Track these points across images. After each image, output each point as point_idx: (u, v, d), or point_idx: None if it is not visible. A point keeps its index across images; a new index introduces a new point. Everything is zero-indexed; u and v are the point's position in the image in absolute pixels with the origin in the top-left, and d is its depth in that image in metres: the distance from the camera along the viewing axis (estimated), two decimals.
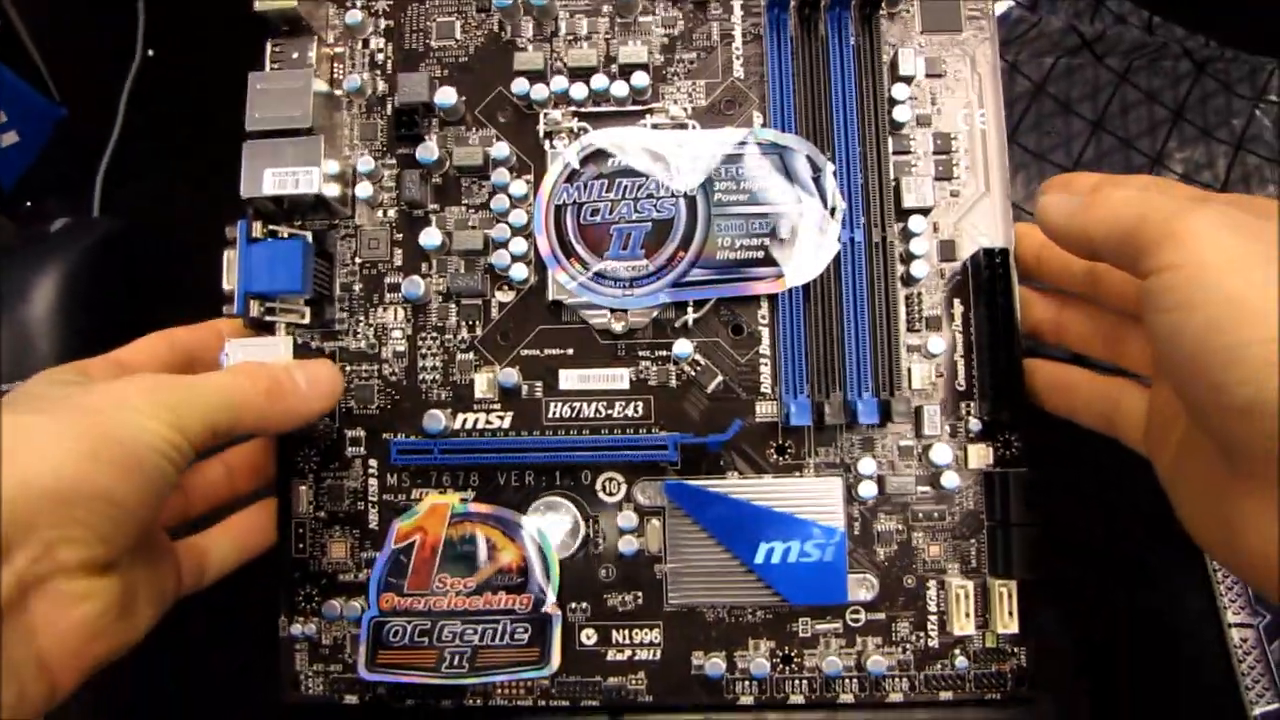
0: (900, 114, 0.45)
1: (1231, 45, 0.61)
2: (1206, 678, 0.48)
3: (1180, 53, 0.60)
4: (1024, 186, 0.59)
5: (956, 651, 0.43)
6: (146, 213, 0.61)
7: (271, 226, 0.43)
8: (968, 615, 0.43)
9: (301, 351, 0.42)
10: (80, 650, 0.32)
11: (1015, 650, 0.43)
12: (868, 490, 0.43)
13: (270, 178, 0.42)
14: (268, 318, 0.43)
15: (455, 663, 0.42)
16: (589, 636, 0.44)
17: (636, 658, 0.44)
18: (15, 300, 0.48)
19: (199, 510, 0.45)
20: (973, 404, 0.44)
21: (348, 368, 0.45)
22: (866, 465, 0.43)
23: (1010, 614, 0.43)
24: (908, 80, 0.45)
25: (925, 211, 0.44)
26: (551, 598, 0.42)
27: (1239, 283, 0.30)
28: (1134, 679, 0.48)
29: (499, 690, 0.44)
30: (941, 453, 0.43)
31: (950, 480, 0.43)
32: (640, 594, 0.44)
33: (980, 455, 0.44)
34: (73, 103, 0.66)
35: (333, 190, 0.44)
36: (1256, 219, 0.32)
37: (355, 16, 0.46)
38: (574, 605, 0.44)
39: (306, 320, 0.44)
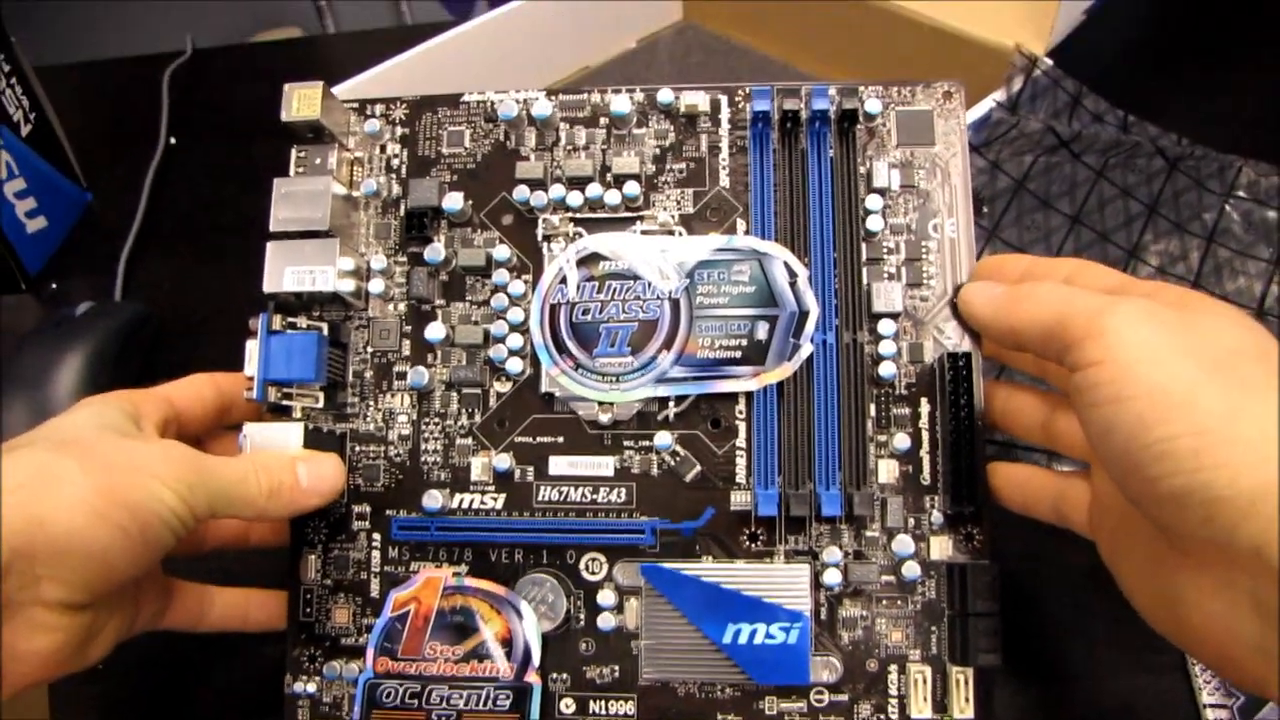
0: (873, 223, 0.47)
1: (1202, 143, 0.63)
2: None
3: (1154, 150, 0.62)
4: None
5: None
6: (167, 295, 0.65)
7: (290, 319, 0.47)
8: (926, 699, 0.45)
9: (313, 437, 0.46)
10: (28, 673, 0.36)
11: None
12: (833, 578, 0.46)
13: (290, 275, 0.47)
14: (285, 402, 0.47)
15: None
16: (568, 705, 0.47)
17: None
18: (40, 380, 0.53)
19: (210, 547, 0.50)
20: (936, 498, 0.46)
21: (357, 448, 0.49)
22: (832, 554, 0.46)
23: (967, 700, 0.45)
24: (881, 192, 0.48)
25: (894, 316, 0.47)
26: (533, 668, 0.45)
27: (1161, 376, 0.32)
28: None
29: None
30: (904, 544, 0.46)
31: (912, 570, 0.46)
32: (617, 667, 0.47)
33: (942, 547, 0.46)
34: (98, 189, 0.71)
35: (348, 285, 0.48)
36: (1173, 310, 0.35)
37: (374, 125, 0.50)
38: (555, 675, 0.47)
39: (320, 404, 0.48)
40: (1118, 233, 0.62)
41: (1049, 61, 0.64)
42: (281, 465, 0.43)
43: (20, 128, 0.66)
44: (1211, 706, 0.49)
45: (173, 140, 0.70)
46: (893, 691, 0.46)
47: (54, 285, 0.68)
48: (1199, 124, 0.64)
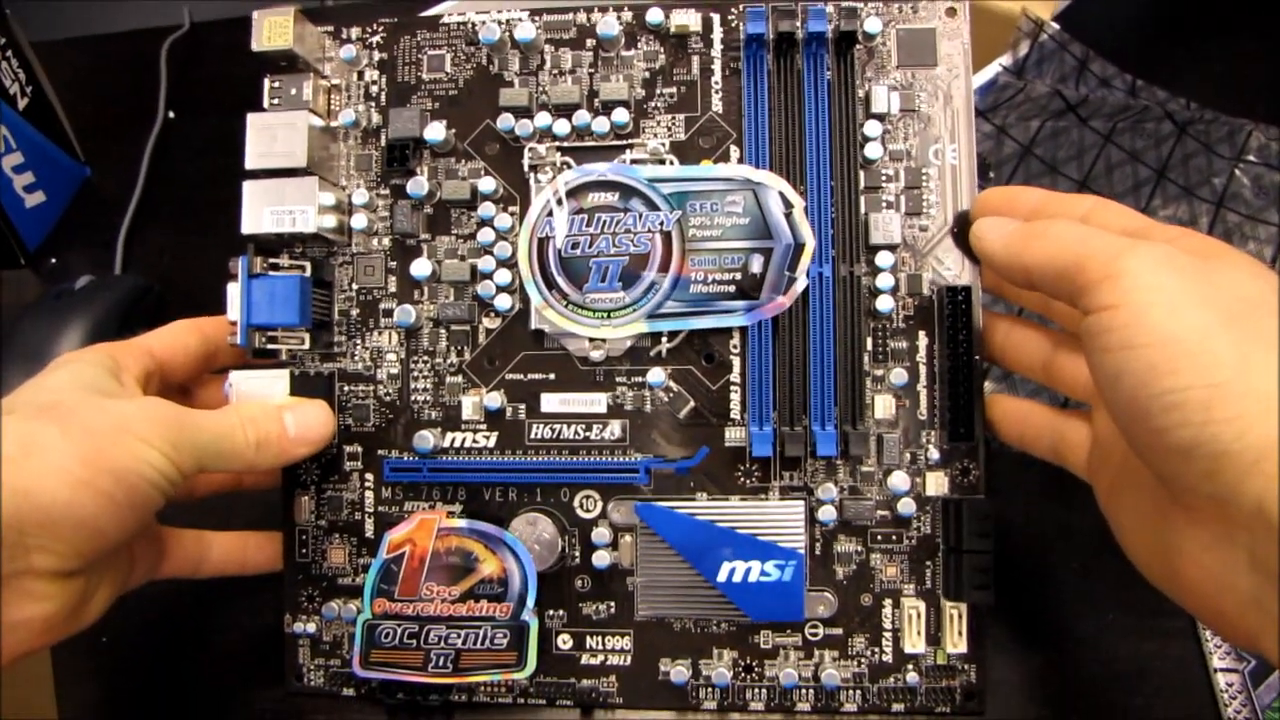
0: (872, 150, 0.46)
1: (1211, 108, 0.61)
2: None
3: (1162, 115, 0.61)
4: None
5: (909, 667, 0.46)
6: (167, 268, 0.64)
7: (272, 260, 0.46)
8: (920, 634, 0.46)
9: (300, 382, 0.46)
10: (24, 640, 0.37)
11: (965, 667, 0.46)
12: (828, 515, 0.45)
13: (269, 216, 0.45)
14: (270, 346, 0.46)
15: (440, 663, 0.45)
16: (565, 641, 0.48)
17: (608, 662, 0.47)
18: (40, 353, 0.52)
19: (203, 494, 0.49)
20: (933, 433, 0.46)
21: (346, 387, 0.48)
22: (827, 491, 0.46)
23: (960, 634, 0.45)
24: (880, 117, 0.46)
25: (892, 248, 0.46)
26: (530, 606, 0.45)
27: (1176, 325, 0.31)
28: None
29: (481, 687, 0.48)
30: (900, 480, 0.45)
31: (907, 507, 0.45)
32: (613, 604, 0.47)
33: (938, 483, 0.46)
34: (97, 163, 0.70)
35: (329, 222, 0.46)
36: (1192, 258, 0.33)
37: (350, 52, 0.48)
38: (551, 612, 0.47)
39: (307, 346, 0.47)
40: (1126, 198, 0.60)
41: (1055, 26, 0.62)
42: (268, 416, 0.43)
43: (17, 101, 0.65)
44: (1222, 671, 0.49)
45: (171, 114, 0.69)
46: (887, 626, 0.46)
47: (53, 260, 0.67)
48: (1208, 88, 0.62)
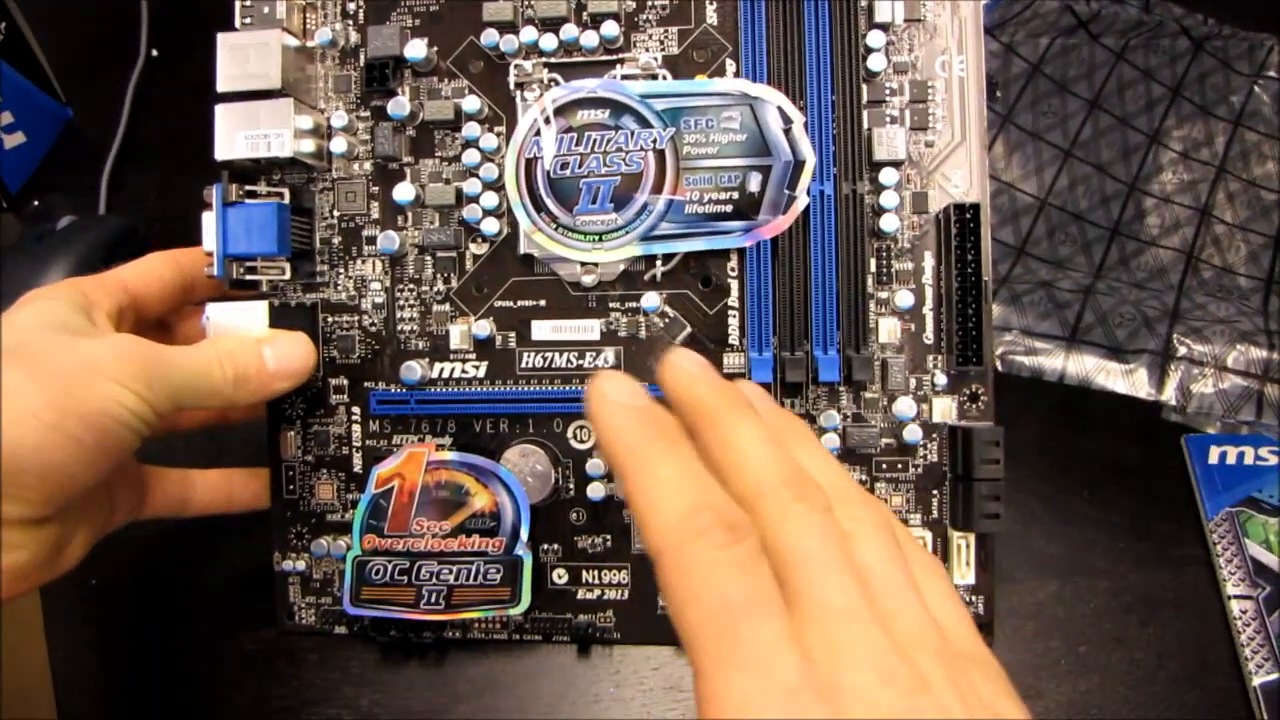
0: (875, 63, 0.43)
1: (1230, 22, 0.58)
2: (1207, 648, 0.49)
3: (1178, 31, 0.58)
4: (1020, 166, 0.58)
5: None
6: (150, 210, 0.63)
7: (249, 187, 0.44)
8: None
9: (280, 314, 0.44)
10: (3, 588, 0.35)
11: (973, 599, 0.45)
12: (831, 442, 0.44)
13: (243, 140, 0.43)
14: (249, 277, 0.44)
15: (432, 600, 0.44)
16: (560, 576, 0.46)
17: (605, 597, 0.46)
18: (22, 295, 0.50)
19: (187, 426, 0.48)
20: (940, 357, 0.44)
21: (329, 319, 0.46)
22: (830, 418, 0.44)
23: (968, 564, 0.44)
24: (884, 27, 0.44)
25: (897, 164, 0.43)
26: (523, 541, 0.44)
27: None
28: (1133, 649, 0.49)
29: (475, 624, 0.47)
30: (905, 406, 0.44)
31: (913, 434, 0.44)
32: (609, 537, 0.46)
33: (944, 409, 0.44)
34: (78, 104, 0.68)
35: (307, 146, 0.44)
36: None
37: None
38: (546, 547, 0.46)
39: (287, 276, 0.45)
40: (1138, 117, 0.58)
41: None
42: (246, 350, 0.41)
43: None
44: (1235, 598, 0.48)
45: (154, 52, 0.67)
46: None
47: (36, 203, 0.66)
48: (1226, 2, 0.59)
